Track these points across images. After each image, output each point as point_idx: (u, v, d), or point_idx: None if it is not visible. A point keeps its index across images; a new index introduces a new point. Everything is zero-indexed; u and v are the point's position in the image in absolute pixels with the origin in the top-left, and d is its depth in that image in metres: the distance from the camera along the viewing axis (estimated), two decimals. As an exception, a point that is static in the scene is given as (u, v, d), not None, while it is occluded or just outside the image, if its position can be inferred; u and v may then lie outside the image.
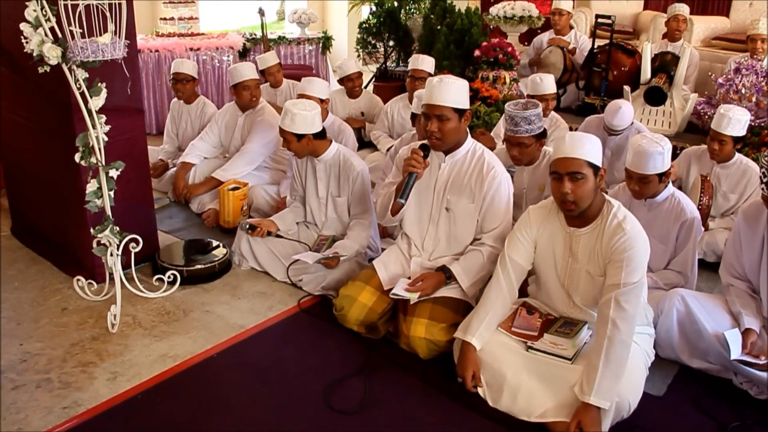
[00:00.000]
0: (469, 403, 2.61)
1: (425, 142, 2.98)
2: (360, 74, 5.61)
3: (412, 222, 3.16)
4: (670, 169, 3.07)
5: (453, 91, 2.87)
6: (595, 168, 2.50)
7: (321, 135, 3.50)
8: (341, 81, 5.64)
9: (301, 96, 4.51)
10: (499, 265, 2.75)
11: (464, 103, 2.92)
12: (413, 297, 2.93)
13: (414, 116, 3.95)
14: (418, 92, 3.99)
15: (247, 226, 3.62)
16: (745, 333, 2.76)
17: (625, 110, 4.27)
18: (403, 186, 2.89)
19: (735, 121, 3.73)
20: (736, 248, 2.92)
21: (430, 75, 5.13)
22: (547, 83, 4.55)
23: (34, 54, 2.70)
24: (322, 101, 4.38)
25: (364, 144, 5.48)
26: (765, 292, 2.83)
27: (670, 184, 3.16)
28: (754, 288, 2.89)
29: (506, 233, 3.00)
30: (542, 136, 3.49)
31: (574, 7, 6.89)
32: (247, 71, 4.54)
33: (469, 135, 3.07)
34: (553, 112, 4.75)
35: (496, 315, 2.71)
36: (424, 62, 5.14)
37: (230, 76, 4.60)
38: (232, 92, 4.64)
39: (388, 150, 4.69)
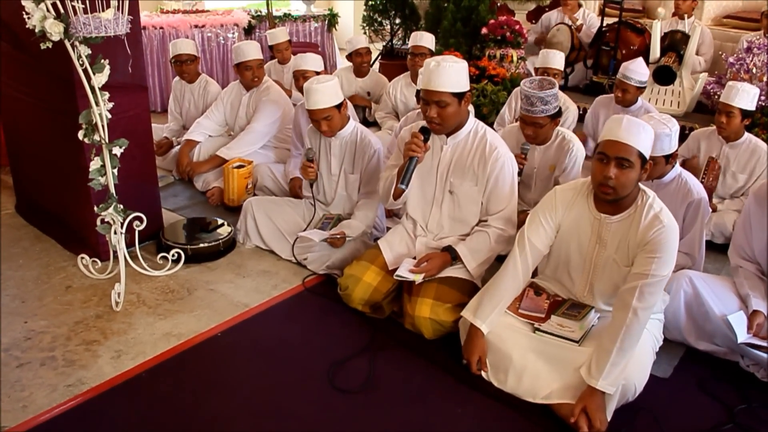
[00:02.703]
0: (474, 384, 2.60)
1: (425, 125, 2.93)
2: (369, 50, 5.55)
3: (416, 205, 3.14)
4: (677, 150, 3.04)
5: (451, 76, 2.80)
6: (643, 159, 2.42)
7: None
8: (350, 56, 5.57)
9: (297, 72, 4.48)
10: (517, 245, 2.67)
11: (463, 85, 2.85)
12: (417, 279, 2.91)
13: (418, 93, 3.91)
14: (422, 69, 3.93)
15: (312, 152, 3.53)
16: (753, 315, 2.74)
17: (639, 60, 4.33)
18: (404, 171, 2.87)
19: (744, 92, 3.72)
20: (746, 230, 2.89)
21: (431, 51, 5.09)
22: (556, 59, 4.59)
23: (36, 30, 2.66)
24: (317, 73, 4.34)
25: (369, 123, 5.44)
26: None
27: (677, 164, 3.13)
28: (763, 270, 2.87)
29: (512, 215, 2.97)
30: (557, 116, 3.44)
31: (583, -15, 6.82)
32: (249, 51, 4.49)
33: (471, 114, 3.03)
34: (561, 93, 4.70)
35: (508, 300, 2.68)
36: (424, 39, 5.11)
37: (233, 55, 4.56)
38: (236, 71, 4.60)
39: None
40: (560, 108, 3.46)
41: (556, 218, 2.65)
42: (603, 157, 2.42)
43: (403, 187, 2.88)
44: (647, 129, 2.43)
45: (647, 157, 2.43)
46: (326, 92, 3.31)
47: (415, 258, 3.05)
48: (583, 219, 2.61)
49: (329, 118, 3.35)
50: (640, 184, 2.52)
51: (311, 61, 4.46)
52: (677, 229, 2.45)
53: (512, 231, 2.98)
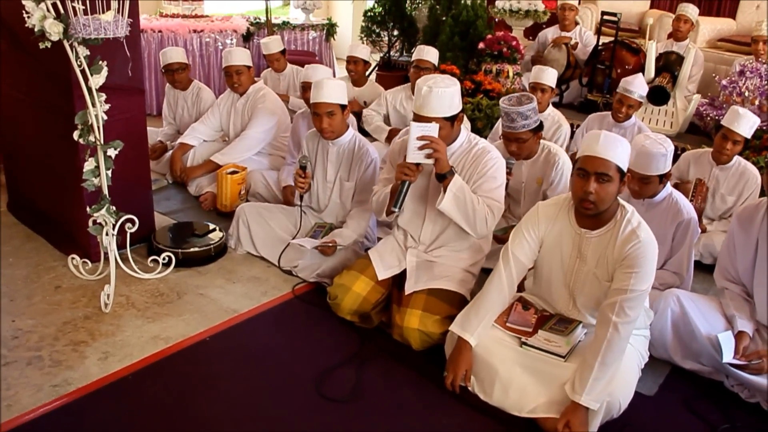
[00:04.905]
0: (461, 396, 2.61)
1: None
2: (358, 60, 5.48)
3: (408, 218, 3.14)
4: (670, 170, 3.07)
5: (443, 101, 2.82)
6: (621, 172, 2.46)
7: None
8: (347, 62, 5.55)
9: (305, 84, 4.48)
10: (502, 259, 2.70)
11: (456, 107, 2.88)
12: (432, 129, 2.79)
13: None
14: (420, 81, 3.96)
15: (306, 160, 3.52)
16: (738, 336, 2.75)
17: (639, 75, 4.50)
18: (398, 194, 2.88)
19: (753, 123, 3.79)
20: (731, 251, 2.91)
21: (435, 66, 5.11)
22: (549, 75, 4.63)
23: (36, 29, 2.67)
24: None
25: (364, 133, 5.44)
26: (758, 295, 2.82)
27: (668, 184, 3.16)
28: (748, 291, 2.89)
29: (498, 210, 2.93)
30: (539, 129, 3.48)
31: (579, 3, 6.86)
32: (230, 57, 4.53)
33: (468, 128, 3.03)
34: (555, 110, 4.75)
35: (495, 313, 2.69)
36: (429, 53, 5.12)
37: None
38: None
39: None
40: (541, 122, 3.50)
41: (539, 232, 2.68)
42: (583, 173, 2.46)
43: (396, 210, 2.91)
44: (624, 143, 2.47)
45: (625, 170, 2.48)
46: (335, 88, 3.37)
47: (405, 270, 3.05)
48: (565, 234, 2.64)
49: (333, 113, 3.37)
50: (619, 199, 2.56)
51: (320, 75, 4.43)
52: (655, 244, 2.47)
53: (493, 221, 2.92)
